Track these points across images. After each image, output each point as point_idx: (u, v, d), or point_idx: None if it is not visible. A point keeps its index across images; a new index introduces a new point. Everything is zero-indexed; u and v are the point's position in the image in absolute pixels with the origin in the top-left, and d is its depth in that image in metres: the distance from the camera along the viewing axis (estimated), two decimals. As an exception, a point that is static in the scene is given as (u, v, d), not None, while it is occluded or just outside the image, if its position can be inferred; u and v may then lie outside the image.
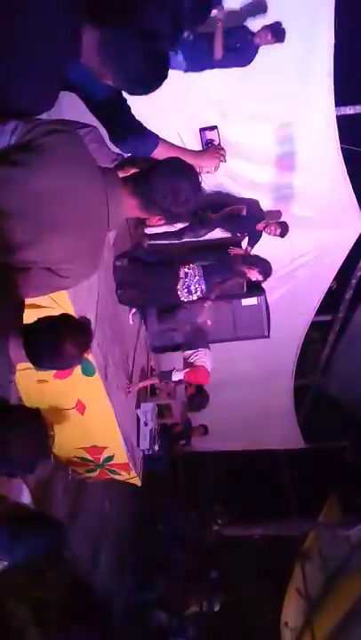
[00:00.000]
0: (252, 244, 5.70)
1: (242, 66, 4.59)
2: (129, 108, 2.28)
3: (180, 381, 5.91)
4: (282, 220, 5.67)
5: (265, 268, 5.50)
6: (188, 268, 5.37)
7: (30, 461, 2.08)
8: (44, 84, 1.81)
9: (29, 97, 1.80)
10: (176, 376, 5.84)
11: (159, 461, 6.51)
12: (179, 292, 5.38)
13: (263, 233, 5.65)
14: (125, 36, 1.68)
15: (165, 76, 1.79)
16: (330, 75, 4.69)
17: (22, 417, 2.10)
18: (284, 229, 5.54)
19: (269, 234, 5.58)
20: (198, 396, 6.00)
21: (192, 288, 5.36)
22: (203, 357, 5.86)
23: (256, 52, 4.54)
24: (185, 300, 5.47)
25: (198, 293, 5.43)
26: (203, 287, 5.38)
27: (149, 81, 1.80)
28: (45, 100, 1.92)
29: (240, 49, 4.53)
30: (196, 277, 5.35)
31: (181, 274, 5.35)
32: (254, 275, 5.51)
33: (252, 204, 5.63)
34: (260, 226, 5.62)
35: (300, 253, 6.22)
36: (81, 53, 1.74)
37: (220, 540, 10.22)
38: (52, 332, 2.06)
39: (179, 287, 5.35)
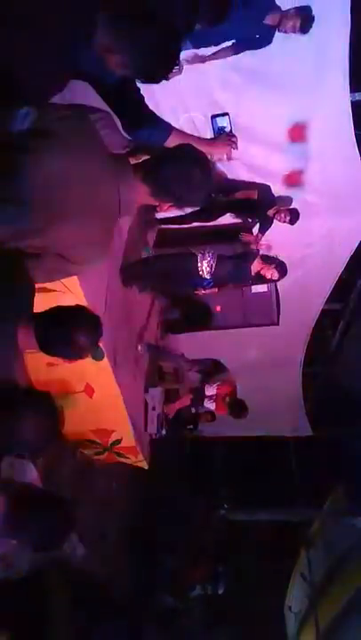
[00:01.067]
0: (262, 230, 5.67)
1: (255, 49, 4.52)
2: (142, 95, 2.28)
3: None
4: (293, 206, 5.63)
5: (282, 267, 5.44)
6: (203, 251, 5.26)
7: (40, 444, 2.11)
8: (56, 65, 1.81)
9: (41, 77, 1.80)
10: (210, 390, 5.91)
11: (166, 445, 6.54)
12: (200, 270, 5.21)
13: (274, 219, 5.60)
14: (140, 26, 1.68)
15: (175, 65, 1.78)
16: (345, 59, 4.63)
17: (33, 399, 2.12)
18: (294, 217, 5.48)
19: (279, 221, 5.53)
20: (237, 407, 6.29)
21: (210, 266, 5.23)
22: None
23: (273, 36, 4.46)
24: (208, 277, 5.30)
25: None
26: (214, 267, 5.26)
27: (160, 71, 1.79)
28: (57, 81, 1.92)
29: (258, 40, 4.43)
30: (211, 258, 5.22)
31: (198, 254, 5.24)
32: (270, 272, 5.46)
33: (264, 190, 5.60)
34: (270, 212, 5.56)
35: (312, 240, 6.18)
36: (94, 39, 1.73)
37: (225, 524, 10.28)
38: (64, 322, 2.07)
39: (199, 266, 5.19)
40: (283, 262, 5.46)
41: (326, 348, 8.49)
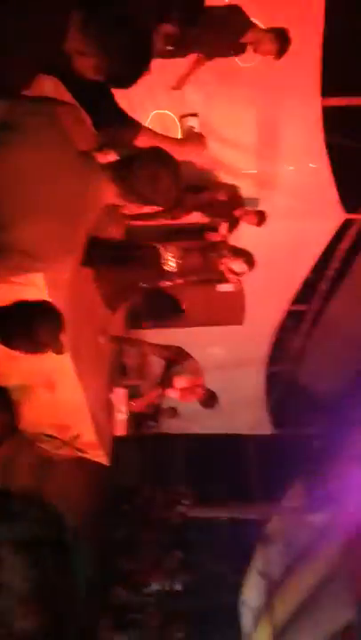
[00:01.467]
0: (230, 230, 5.68)
1: None
2: (112, 92, 2.26)
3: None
4: (260, 208, 5.66)
5: (251, 259, 5.45)
6: (167, 248, 5.13)
7: None
8: (25, 62, 1.78)
9: (10, 71, 1.77)
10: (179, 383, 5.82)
11: (127, 441, 6.53)
12: (163, 265, 5.09)
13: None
14: (112, 29, 1.66)
15: (145, 70, 1.77)
16: (318, 63, 4.67)
17: None
18: (261, 219, 5.51)
19: (247, 222, 5.55)
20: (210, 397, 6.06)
21: (173, 261, 5.11)
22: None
23: None
24: (170, 271, 5.16)
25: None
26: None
27: (130, 76, 1.78)
28: (26, 76, 1.89)
29: None
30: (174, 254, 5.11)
31: (161, 251, 5.10)
32: (239, 265, 5.45)
33: (232, 191, 5.61)
34: (237, 213, 5.57)
35: (279, 242, 6.23)
36: (66, 40, 1.71)
37: (184, 520, 10.34)
38: (26, 317, 2.05)
39: (163, 260, 5.07)
40: (250, 253, 5.46)
41: (290, 348, 8.59)
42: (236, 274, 5.39)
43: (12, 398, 2.14)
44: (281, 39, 4.33)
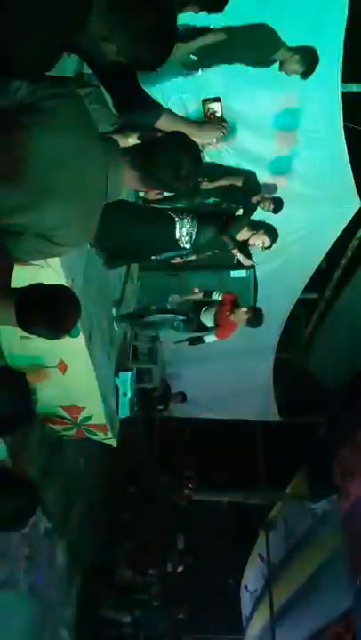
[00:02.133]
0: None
1: None
2: (135, 74, 2.24)
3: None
4: (277, 195, 5.62)
5: (272, 232, 5.33)
6: (183, 216, 4.88)
7: (13, 424, 2.10)
8: (49, 44, 1.76)
9: (32, 56, 1.75)
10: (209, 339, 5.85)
11: (136, 424, 6.57)
12: (178, 240, 4.89)
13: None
14: (136, 14, 1.64)
15: (169, 54, 1.75)
16: (340, 49, 4.60)
17: (7, 379, 2.11)
18: (277, 206, 5.46)
19: (263, 209, 5.47)
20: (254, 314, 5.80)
21: (190, 234, 4.89)
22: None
23: None
24: (187, 246, 4.99)
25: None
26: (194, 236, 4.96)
27: (156, 59, 1.76)
28: (48, 60, 1.87)
29: None
30: (191, 224, 4.90)
31: (176, 219, 4.86)
32: (260, 239, 5.35)
33: (250, 177, 5.56)
34: (254, 199, 5.49)
35: (294, 229, 6.19)
36: (89, 18, 1.69)
37: (189, 503, 10.42)
38: (46, 303, 2.05)
39: (177, 233, 4.84)
40: (272, 226, 5.37)
41: (299, 336, 8.57)
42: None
43: (30, 384, 2.15)
44: (309, 60, 4.45)
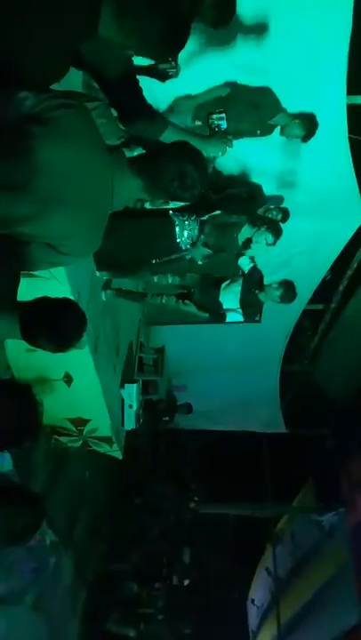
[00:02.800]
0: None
1: None
2: (140, 88, 2.25)
3: None
4: (283, 206, 5.62)
5: (276, 227, 5.10)
6: (184, 217, 4.68)
7: (19, 437, 2.09)
8: (56, 56, 1.78)
9: (42, 63, 1.77)
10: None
11: (142, 436, 6.55)
12: (179, 242, 4.72)
13: None
14: (145, 18, 1.65)
15: (186, 36, 1.76)
16: (344, 62, 4.62)
17: (13, 392, 2.10)
18: (284, 216, 5.47)
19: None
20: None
21: (190, 236, 4.72)
22: None
23: None
24: (186, 249, 4.83)
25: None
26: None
27: (171, 42, 1.77)
28: (58, 68, 1.89)
29: None
30: (192, 224, 4.73)
31: (177, 221, 4.68)
32: (263, 235, 5.02)
33: (256, 189, 5.57)
34: (261, 210, 5.48)
35: (299, 241, 6.19)
36: (98, 27, 1.70)
37: (195, 516, 10.36)
38: (51, 317, 2.05)
39: (178, 233, 4.68)
40: (276, 222, 5.20)
41: (305, 348, 8.55)
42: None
43: (36, 397, 2.14)
44: (308, 125, 4.63)
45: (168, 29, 1.70)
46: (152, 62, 3.16)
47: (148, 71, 3.41)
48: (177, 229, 4.68)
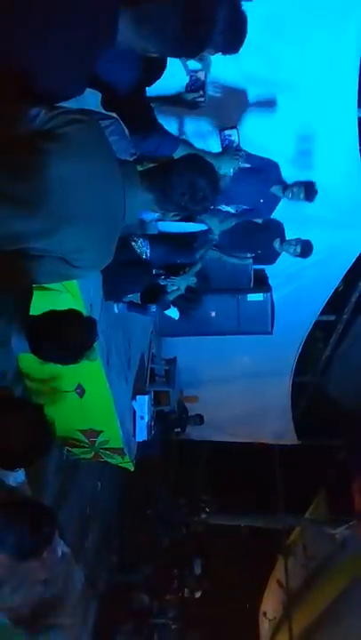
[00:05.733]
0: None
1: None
2: (152, 107, 2.28)
3: None
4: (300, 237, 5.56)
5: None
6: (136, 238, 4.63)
7: (31, 456, 2.10)
8: (76, 68, 1.81)
9: (59, 78, 1.80)
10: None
11: (153, 447, 6.55)
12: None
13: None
14: (161, 5, 1.67)
15: (207, 31, 1.78)
16: (355, 75, 4.64)
17: (25, 412, 2.11)
18: (310, 191, 5.14)
19: (289, 252, 5.46)
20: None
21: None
22: None
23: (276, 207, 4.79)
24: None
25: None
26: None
27: (194, 40, 1.78)
28: (77, 84, 1.92)
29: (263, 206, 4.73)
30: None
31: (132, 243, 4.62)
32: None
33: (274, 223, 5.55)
34: (277, 244, 5.49)
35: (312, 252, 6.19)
36: (115, 37, 1.73)
37: (206, 527, 10.31)
38: (57, 329, 2.06)
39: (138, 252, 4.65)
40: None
41: (317, 359, 8.52)
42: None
43: (48, 416, 2.15)
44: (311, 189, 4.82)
45: (187, 24, 1.71)
46: (180, 92, 3.17)
47: (176, 101, 3.42)
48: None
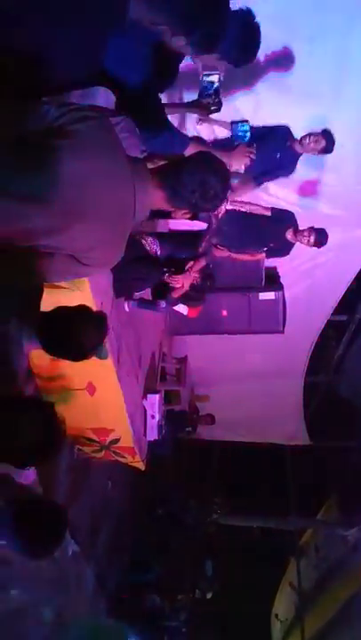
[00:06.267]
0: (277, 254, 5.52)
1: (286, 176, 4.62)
2: (162, 105, 2.27)
3: None
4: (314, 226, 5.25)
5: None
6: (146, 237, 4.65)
7: (42, 455, 2.09)
8: (83, 61, 1.83)
9: (67, 72, 1.84)
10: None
11: (164, 447, 6.52)
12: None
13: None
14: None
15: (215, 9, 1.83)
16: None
17: (36, 411, 2.10)
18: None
19: (303, 242, 5.16)
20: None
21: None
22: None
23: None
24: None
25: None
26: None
27: (204, 17, 1.80)
28: (82, 78, 1.92)
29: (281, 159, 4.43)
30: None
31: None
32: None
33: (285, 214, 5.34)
34: (289, 234, 5.22)
35: (323, 250, 6.13)
36: (127, 15, 1.76)
37: (217, 528, 10.28)
38: (67, 325, 2.05)
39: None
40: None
41: (330, 358, 8.47)
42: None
43: (59, 415, 2.14)
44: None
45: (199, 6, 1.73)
46: (195, 99, 3.15)
47: (191, 106, 3.40)
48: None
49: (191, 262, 4.90)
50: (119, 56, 2.07)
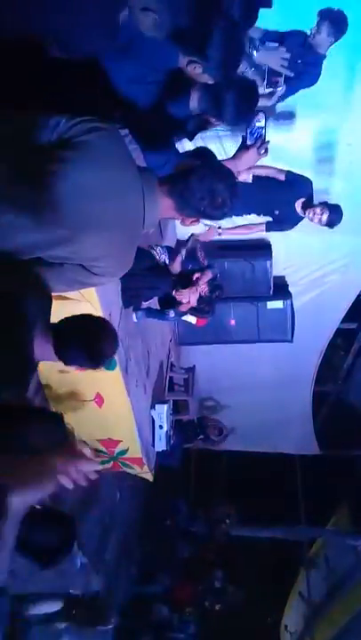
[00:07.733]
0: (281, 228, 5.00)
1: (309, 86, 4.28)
2: (169, 128, 2.30)
3: None
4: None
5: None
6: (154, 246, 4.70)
7: None
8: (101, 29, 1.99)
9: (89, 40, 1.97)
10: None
11: (172, 457, 6.49)
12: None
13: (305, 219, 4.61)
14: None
15: None
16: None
17: (45, 422, 2.08)
18: (334, 215, 4.39)
19: (312, 219, 4.47)
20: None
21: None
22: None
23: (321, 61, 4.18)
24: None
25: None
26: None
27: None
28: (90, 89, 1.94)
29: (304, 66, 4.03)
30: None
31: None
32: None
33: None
34: (299, 206, 4.57)
35: (334, 258, 6.12)
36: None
37: (226, 539, 10.20)
38: (85, 334, 2.05)
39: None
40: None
41: (339, 367, 8.42)
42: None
43: (67, 426, 2.12)
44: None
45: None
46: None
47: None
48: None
49: (198, 274, 4.90)
50: (134, 76, 2.14)
